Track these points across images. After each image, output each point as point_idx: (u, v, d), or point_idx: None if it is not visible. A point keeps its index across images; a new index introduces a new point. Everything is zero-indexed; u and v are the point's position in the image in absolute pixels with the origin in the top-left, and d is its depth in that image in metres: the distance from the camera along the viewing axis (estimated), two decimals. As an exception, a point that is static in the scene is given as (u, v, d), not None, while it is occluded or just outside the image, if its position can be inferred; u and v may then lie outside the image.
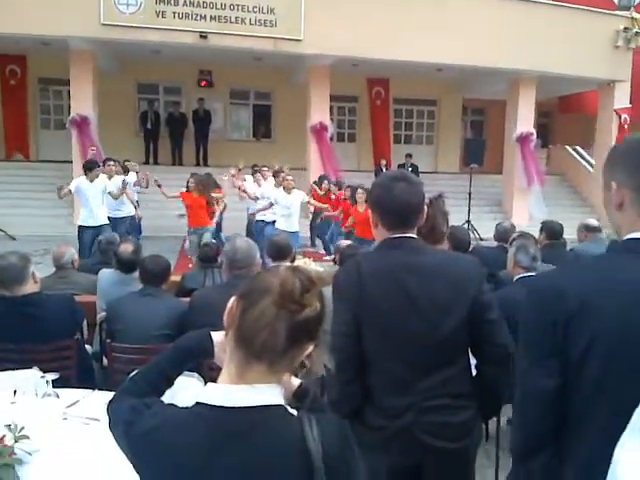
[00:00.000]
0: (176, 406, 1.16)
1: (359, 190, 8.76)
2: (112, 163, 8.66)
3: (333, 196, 10.37)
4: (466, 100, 17.58)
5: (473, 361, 1.94)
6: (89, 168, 8.13)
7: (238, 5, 11.63)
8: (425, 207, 1.93)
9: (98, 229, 7.61)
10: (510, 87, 14.34)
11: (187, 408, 1.12)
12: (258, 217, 9.56)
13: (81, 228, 8.03)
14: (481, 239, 11.06)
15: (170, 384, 1.36)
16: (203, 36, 11.46)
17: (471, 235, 10.88)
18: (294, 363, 1.13)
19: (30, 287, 3.07)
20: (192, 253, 8.20)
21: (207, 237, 8.31)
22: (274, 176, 9.19)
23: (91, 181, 8.05)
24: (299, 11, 11.81)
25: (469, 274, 1.88)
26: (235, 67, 14.45)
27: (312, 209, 10.67)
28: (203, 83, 15.34)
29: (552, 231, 5.51)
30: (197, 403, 1.11)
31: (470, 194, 12.93)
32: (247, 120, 16.99)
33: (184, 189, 8.95)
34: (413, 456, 1.83)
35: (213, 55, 12.90)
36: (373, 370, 1.87)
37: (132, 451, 1.13)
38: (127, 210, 9.11)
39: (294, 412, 1.12)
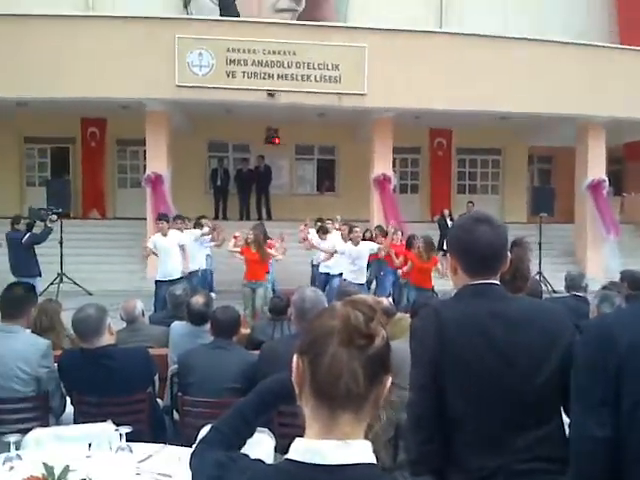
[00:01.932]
0: (263, 462, 1.11)
1: (420, 240, 8.60)
2: (180, 221, 8.91)
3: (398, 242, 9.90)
4: (532, 148, 17.26)
5: (566, 420, 1.79)
6: (160, 221, 8.38)
7: (304, 62, 12.02)
8: (508, 252, 1.84)
9: (173, 283, 7.33)
10: (578, 133, 13.98)
11: (275, 465, 1.08)
12: (322, 269, 9.53)
13: (157, 283, 8.22)
14: (554, 291, 10.60)
15: (252, 432, 1.32)
16: (270, 94, 11.87)
17: (543, 287, 10.57)
18: (378, 405, 1.07)
19: (106, 339, 3.12)
20: (245, 306, 8.24)
21: (260, 293, 8.29)
22: (349, 232, 8.72)
23: (164, 235, 8.28)
24: (363, 66, 12.08)
25: (560, 323, 1.75)
26: (300, 123, 14.83)
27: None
28: (274, 140, 15.48)
29: (634, 281, 5.23)
30: (286, 459, 1.06)
31: (540, 244, 12.51)
32: (311, 174, 17.31)
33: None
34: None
35: (279, 112, 13.29)
36: (457, 427, 1.73)
37: None
38: (198, 263, 9.24)
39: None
